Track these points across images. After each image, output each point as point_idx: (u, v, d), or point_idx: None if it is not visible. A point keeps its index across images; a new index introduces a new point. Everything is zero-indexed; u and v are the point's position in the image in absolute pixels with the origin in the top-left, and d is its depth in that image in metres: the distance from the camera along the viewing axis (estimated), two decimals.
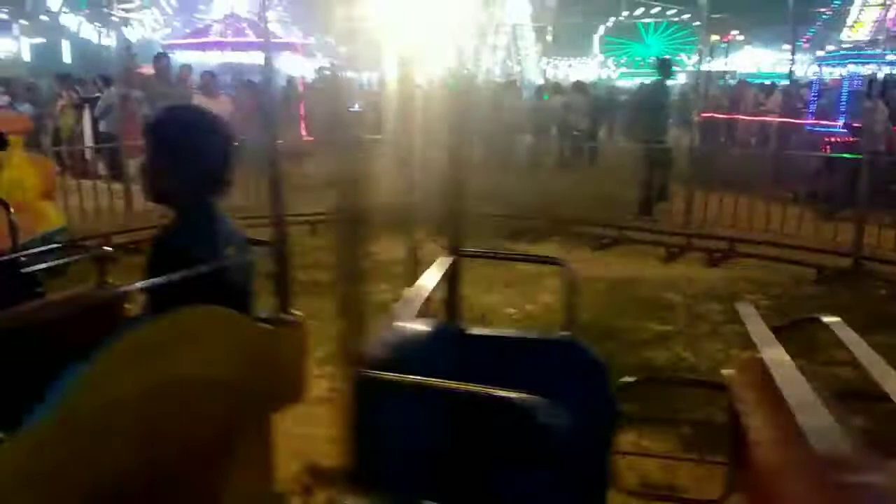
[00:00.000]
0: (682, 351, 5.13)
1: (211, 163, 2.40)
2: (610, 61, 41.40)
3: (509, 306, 6.13)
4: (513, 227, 8.84)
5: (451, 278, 2.57)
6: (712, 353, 5.09)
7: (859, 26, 28.96)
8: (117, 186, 8.75)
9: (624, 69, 40.42)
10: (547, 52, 24.67)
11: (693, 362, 4.97)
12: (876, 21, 29.78)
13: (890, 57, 18.72)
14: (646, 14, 29.10)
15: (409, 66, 5.92)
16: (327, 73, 18.91)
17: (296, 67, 28.44)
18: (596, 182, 9.76)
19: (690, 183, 8.91)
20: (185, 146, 2.33)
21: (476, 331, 2.26)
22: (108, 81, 11.60)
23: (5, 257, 2.91)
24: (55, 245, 4.12)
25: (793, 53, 8.35)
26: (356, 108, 23.92)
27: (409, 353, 1.89)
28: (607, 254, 7.94)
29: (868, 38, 27.34)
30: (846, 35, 27.94)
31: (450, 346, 2.10)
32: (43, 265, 2.93)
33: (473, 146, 11.12)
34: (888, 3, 28.89)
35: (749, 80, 21.89)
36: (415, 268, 5.99)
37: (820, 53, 28.51)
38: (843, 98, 10.80)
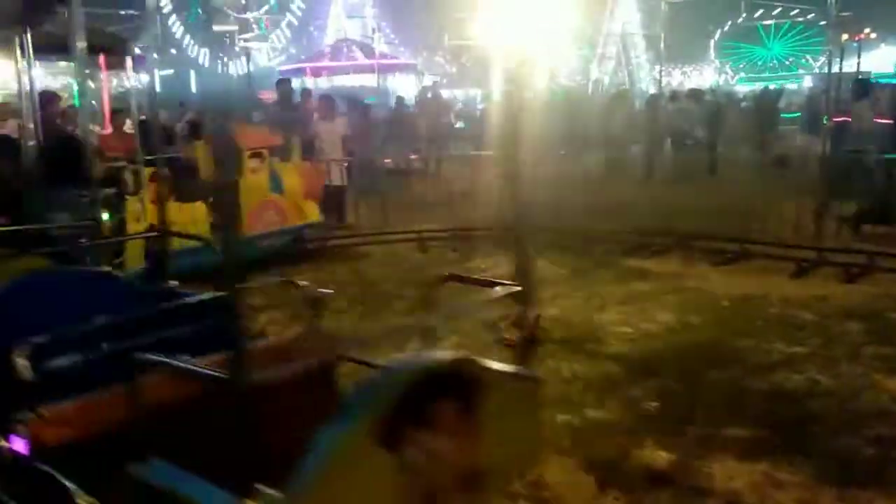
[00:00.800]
0: (816, 374, 4.72)
1: None
2: (728, 66, 39.73)
3: (625, 325, 5.88)
4: (633, 243, 8.54)
5: None
6: (852, 378, 4.65)
7: None
8: None
9: (743, 74, 38.64)
10: (660, 60, 23.96)
11: (829, 386, 4.56)
12: None
13: None
14: (766, 15, 27.63)
15: (516, 80, 5.89)
16: (429, 92, 19.17)
17: (405, 87, 29.12)
18: (716, 193, 9.26)
19: (821, 192, 8.30)
20: None
21: None
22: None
23: None
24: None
25: None
26: (460, 125, 24.20)
27: None
28: (731, 269, 7.49)
29: None
30: None
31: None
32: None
33: (585, 160, 10.95)
34: None
35: (885, 80, 20.25)
36: (527, 284, 5.89)
37: None
38: None
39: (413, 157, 14.70)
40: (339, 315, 6.50)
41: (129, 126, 8.44)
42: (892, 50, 33.83)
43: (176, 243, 3.90)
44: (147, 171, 6.47)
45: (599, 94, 27.20)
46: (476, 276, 7.42)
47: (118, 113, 8.31)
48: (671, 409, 4.36)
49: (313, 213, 8.59)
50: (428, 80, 35.01)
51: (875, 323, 5.60)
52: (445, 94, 32.64)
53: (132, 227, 6.37)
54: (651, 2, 33.01)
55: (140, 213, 6.47)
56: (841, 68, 9.08)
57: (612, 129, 14.64)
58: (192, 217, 7.07)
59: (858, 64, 13.37)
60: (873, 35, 18.32)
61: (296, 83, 21.20)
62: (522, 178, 5.93)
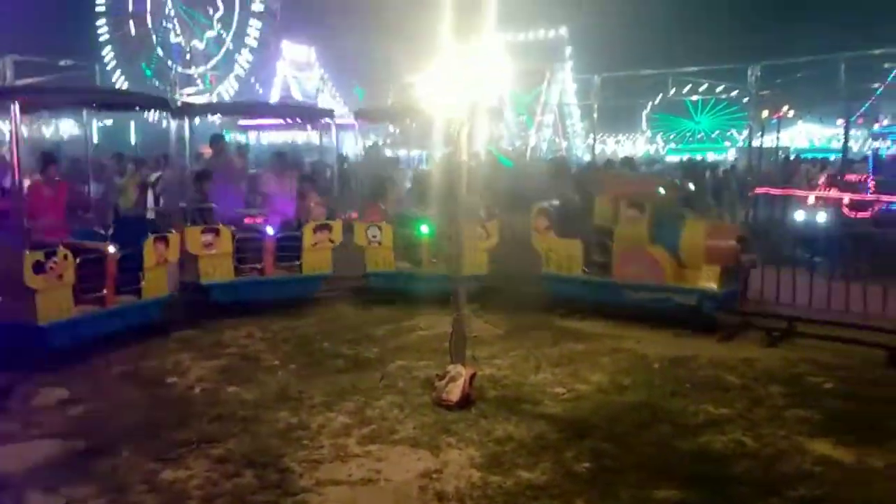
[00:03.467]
0: (741, 436, 4.85)
1: None
2: (659, 136, 41.52)
3: (559, 386, 5.94)
4: (569, 304, 8.62)
5: None
6: (775, 440, 4.79)
7: None
8: None
9: (672, 145, 40.42)
10: (594, 129, 25.00)
11: (754, 448, 4.68)
12: None
13: None
14: (693, 91, 29.20)
15: (456, 144, 6.03)
16: (373, 150, 19.40)
17: (349, 145, 29.35)
18: None
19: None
20: None
21: None
22: (168, 160, 12.07)
23: None
24: None
25: (846, 129, 8.14)
26: (407, 184, 24.36)
27: None
28: (663, 331, 7.65)
29: None
30: None
31: None
32: None
33: (525, 222, 11.12)
34: None
35: (803, 155, 21.52)
36: (463, 344, 5.91)
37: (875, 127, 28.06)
38: None
39: (354, 215, 14.70)
40: (272, 371, 6.38)
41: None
42: (809, 126, 36.28)
43: None
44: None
45: (537, 159, 27.98)
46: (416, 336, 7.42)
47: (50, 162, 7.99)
48: (603, 471, 4.40)
49: (710, 278, 7.50)
50: (371, 140, 35.47)
51: (795, 387, 5.82)
52: (389, 153, 33.05)
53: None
54: (585, 74, 34.51)
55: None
56: (762, 142, 9.63)
57: (551, 194, 14.99)
58: (566, 252, 8.22)
59: (777, 138, 14.21)
60: (791, 113, 19.67)
61: (241, 138, 21.16)
62: (461, 238, 6.02)
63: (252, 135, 25.37)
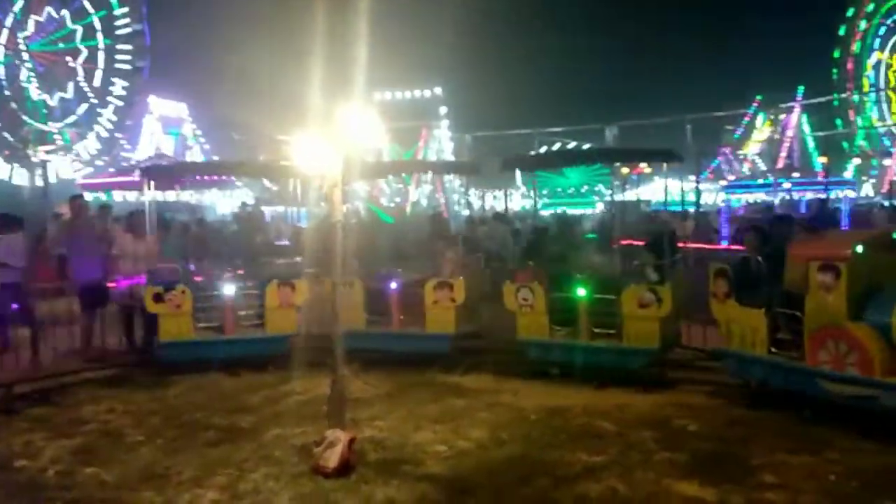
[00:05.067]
0: (615, 482, 4.99)
1: None
2: (532, 192, 43.31)
3: (440, 444, 5.90)
4: (449, 359, 8.63)
5: None
6: (646, 484, 4.96)
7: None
8: (25, 332, 8.27)
9: (546, 199, 42.25)
10: (472, 185, 25.81)
11: (626, 494, 4.83)
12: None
13: (786, 185, 20.39)
14: (563, 149, 30.94)
15: (330, 201, 6.00)
16: (249, 208, 19.01)
17: (223, 203, 28.58)
18: None
19: None
20: None
21: None
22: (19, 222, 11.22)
23: None
24: None
25: (697, 184, 8.84)
26: (285, 241, 23.91)
27: None
28: (540, 382, 7.80)
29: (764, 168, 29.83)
30: (746, 168, 30.49)
31: None
32: None
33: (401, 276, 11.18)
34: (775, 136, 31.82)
35: (661, 207, 23.18)
36: (342, 407, 5.76)
37: (724, 182, 30.79)
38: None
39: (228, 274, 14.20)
40: (136, 447, 5.94)
41: None
42: (664, 181, 39.48)
43: None
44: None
45: (417, 214, 28.41)
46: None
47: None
48: None
49: None
50: (249, 196, 34.64)
51: (665, 430, 6.09)
52: (268, 210, 32.33)
53: None
54: (459, 133, 35.73)
55: None
56: (623, 196, 10.27)
57: (430, 248, 15.19)
58: (750, 324, 6.75)
59: (637, 194, 15.31)
60: (648, 170, 21.44)
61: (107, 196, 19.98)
62: (339, 296, 5.91)
63: (117, 194, 24.15)
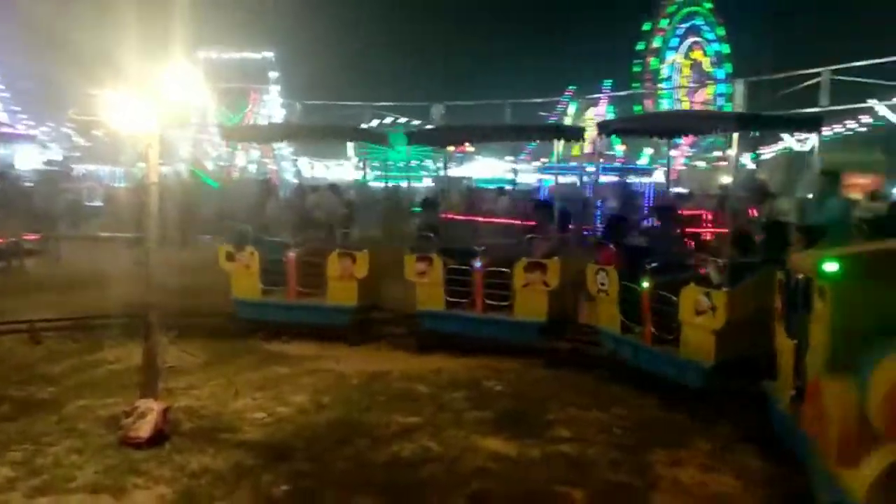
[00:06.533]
0: (427, 441, 5.30)
1: None
2: (364, 163, 43.30)
3: (260, 411, 5.90)
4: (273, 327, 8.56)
5: None
6: (456, 441, 5.32)
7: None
8: None
9: (378, 172, 42.45)
10: (304, 153, 25.18)
11: (438, 451, 5.14)
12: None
13: (589, 169, 22.42)
14: (394, 123, 31.15)
15: (147, 161, 5.71)
16: (55, 166, 17.44)
17: (28, 159, 25.83)
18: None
19: None
20: None
21: None
22: None
23: None
24: None
25: (515, 164, 9.38)
26: (98, 202, 22.18)
27: None
28: (364, 348, 8.05)
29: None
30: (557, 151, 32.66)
31: None
32: None
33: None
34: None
35: (484, 184, 24.23)
36: (155, 377, 5.58)
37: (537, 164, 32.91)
38: None
39: (31, 237, 12.99)
40: None
41: None
42: (486, 161, 41.43)
43: None
44: None
45: (244, 180, 27.41)
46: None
47: None
48: (301, 492, 4.49)
49: None
50: (58, 153, 31.48)
51: (475, 391, 6.52)
52: (81, 169, 29.58)
53: None
54: (291, 100, 34.83)
55: None
56: (446, 172, 10.64)
57: (262, 217, 14.81)
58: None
59: (462, 170, 16.01)
60: (471, 149, 22.35)
61: None
62: (156, 262, 5.69)
63: None
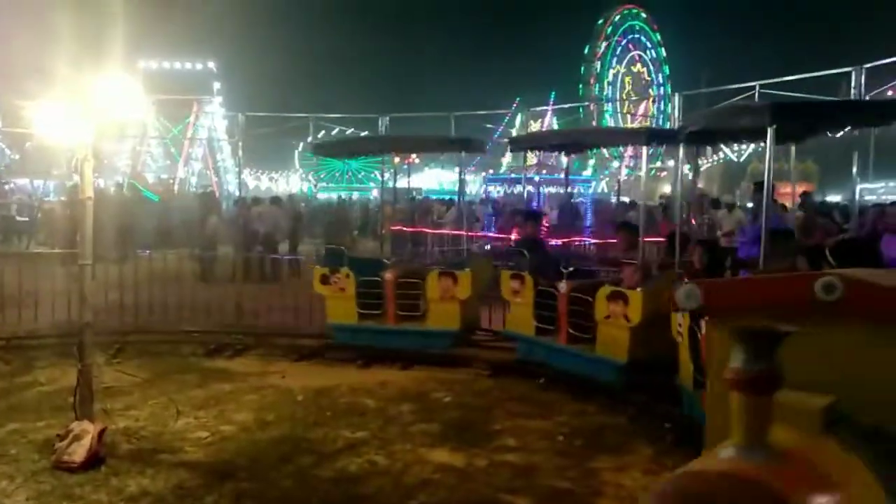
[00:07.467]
0: (374, 455, 5.26)
1: None
2: (311, 175, 43.01)
3: (202, 430, 5.76)
4: (213, 342, 8.45)
5: None
6: (403, 454, 5.29)
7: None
8: None
9: (324, 184, 42.17)
10: (241, 166, 24.84)
11: (385, 465, 5.11)
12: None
13: (536, 179, 22.82)
14: (340, 133, 30.99)
15: (81, 175, 5.54)
16: None
17: None
18: (292, 295, 9.75)
19: None
20: None
21: None
22: None
23: None
24: None
25: (461, 176, 9.44)
26: (24, 217, 21.41)
27: None
28: (309, 364, 7.95)
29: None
30: (505, 162, 32.99)
31: None
32: None
33: (170, 259, 10.61)
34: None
35: (432, 195, 24.38)
36: (90, 398, 5.41)
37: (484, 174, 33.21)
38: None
39: None
40: None
41: None
42: (437, 171, 41.51)
43: None
44: None
45: (186, 193, 26.86)
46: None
47: None
48: None
49: None
50: None
51: (422, 403, 6.51)
52: (11, 183, 28.49)
53: None
54: (233, 112, 34.29)
55: None
56: (395, 184, 10.65)
57: (202, 229, 14.56)
58: None
59: (409, 181, 16.04)
60: (418, 160, 22.48)
61: None
62: (92, 279, 5.52)
63: None
